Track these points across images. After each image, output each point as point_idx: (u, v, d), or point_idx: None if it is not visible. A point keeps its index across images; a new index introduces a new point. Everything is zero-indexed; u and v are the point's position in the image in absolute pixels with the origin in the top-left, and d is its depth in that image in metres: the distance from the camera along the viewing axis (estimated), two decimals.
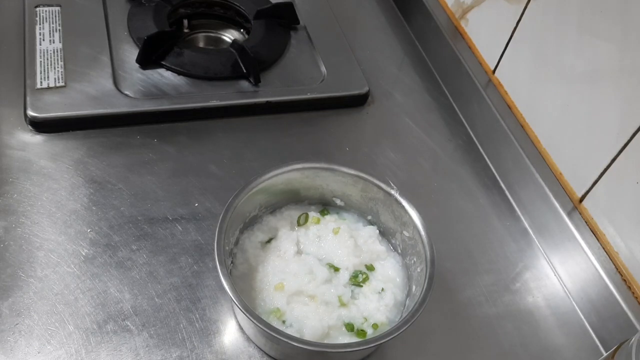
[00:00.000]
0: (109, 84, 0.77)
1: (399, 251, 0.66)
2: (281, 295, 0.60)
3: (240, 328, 0.62)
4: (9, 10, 0.84)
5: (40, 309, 0.59)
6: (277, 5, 0.91)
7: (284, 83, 0.84)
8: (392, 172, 0.79)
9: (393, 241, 0.67)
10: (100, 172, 0.71)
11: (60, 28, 0.82)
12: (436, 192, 0.78)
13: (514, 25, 0.79)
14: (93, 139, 0.74)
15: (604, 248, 0.68)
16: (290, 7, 0.91)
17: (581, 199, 0.72)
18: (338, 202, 0.68)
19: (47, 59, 0.78)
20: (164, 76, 0.80)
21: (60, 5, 0.84)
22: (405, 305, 0.62)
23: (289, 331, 0.58)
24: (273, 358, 0.60)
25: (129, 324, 0.60)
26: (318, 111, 0.84)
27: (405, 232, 0.64)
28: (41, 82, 0.75)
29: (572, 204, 0.72)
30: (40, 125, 0.73)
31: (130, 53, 0.81)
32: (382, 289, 0.63)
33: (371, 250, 0.65)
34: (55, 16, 0.83)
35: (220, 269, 0.55)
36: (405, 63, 0.95)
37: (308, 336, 0.57)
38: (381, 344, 0.55)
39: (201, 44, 0.94)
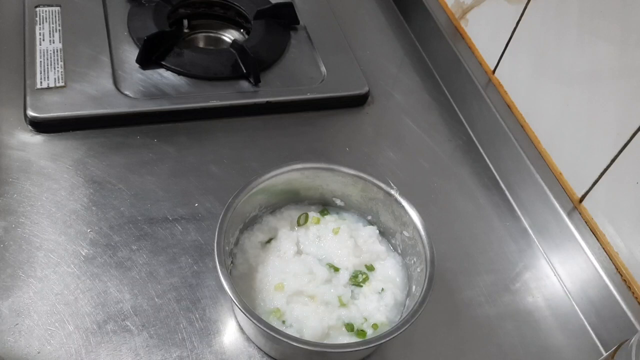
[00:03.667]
0: (109, 84, 0.77)
1: (399, 251, 0.66)
2: (281, 296, 0.60)
3: (240, 328, 0.62)
4: (9, 10, 0.84)
5: (40, 309, 0.59)
6: (277, 5, 0.91)
7: (284, 83, 0.84)
8: (392, 172, 0.79)
9: (393, 241, 0.67)
10: (100, 172, 0.71)
11: (60, 28, 0.82)
12: (436, 192, 0.78)
13: (514, 25, 0.79)
14: (93, 139, 0.74)
15: (604, 248, 0.68)
16: (290, 7, 0.91)
17: (581, 199, 0.72)
18: (338, 202, 0.68)
19: (47, 59, 0.78)
20: (164, 76, 0.80)
21: (60, 5, 0.84)
22: (405, 305, 0.62)
23: (289, 331, 0.58)
24: (273, 358, 0.60)
25: (129, 324, 0.60)
26: (318, 111, 0.84)
27: (405, 232, 0.64)
28: (41, 82, 0.75)
29: (572, 204, 0.72)
30: (40, 125, 0.73)
31: (130, 53, 0.81)
32: (382, 289, 0.63)
33: (371, 250, 0.65)
34: (55, 16, 0.83)
35: (220, 269, 0.55)
36: (405, 63, 0.95)
37: (308, 336, 0.57)
38: (381, 344, 0.55)
39: (201, 44, 0.94)
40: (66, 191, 0.68)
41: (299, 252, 0.64)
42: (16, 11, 0.83)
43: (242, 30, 0.94)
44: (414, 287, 0.62)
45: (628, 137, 0.64)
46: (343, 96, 0.85)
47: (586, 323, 0.69)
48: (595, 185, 0.70)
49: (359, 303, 0.62)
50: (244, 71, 0.82)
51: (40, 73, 0.76)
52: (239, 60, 0.83)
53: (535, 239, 0.76)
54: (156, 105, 0.77)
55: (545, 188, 0.74)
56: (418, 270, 0.61)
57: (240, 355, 0.60)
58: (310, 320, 0.59)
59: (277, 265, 0.62)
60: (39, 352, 0.57)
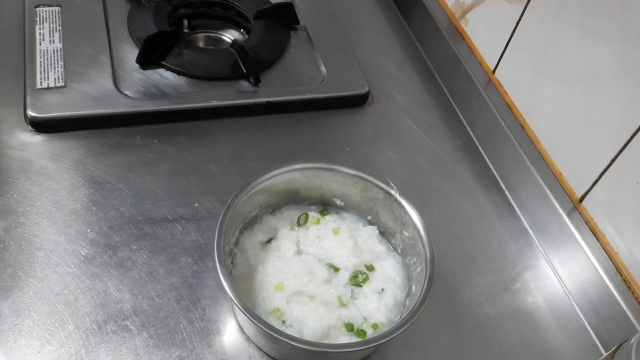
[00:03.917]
0: (109, 84, 0.77)
1: (399, 251, 0.66)
2: (281, 296, 0.60)
3: (240, 328, 0.62)
4: (9, 10, 0.84)
5: (40, 309, 0.59)
6: (277, 5, 0.91)
7: (284, 83, 0.84)
8: (392, 172, 0.79)
9: (393, 241, 0.67)
10: (100, 172, 0.71)
11: (60, 28, 0.82)
12: (436, 192, 0.78)
13: (514, 25, 0.79)
14: (93, 139, 0.74)
15: (604, 248, 0.68)
16: (290, 7, 0.91)
17: (581, 199, 0.72)
18: (338, 202, 0.68)
19: (47, 59, 0.78)
20: (164, 76, 0.80)
21: (60, 5, 0.84)
22: (405, 305, 0.62)
23: (289, 331, 0.58)
24: (273, 358, 0.60)
25: (129, 324, 0.60)
26: (318, 111, 0.84)
27: (405, 232, 0.64)
28: (41, 82, 0.75)
29: (572, 204, 0.72)
30: (40, 125, 0.73)
31: (130, 53, 0.81)
32: (382, 289, 0.63)
33: (371, 250, 0.65)
34: (55, 16, 0.83)
35: (220, 269, 0.55)
36: (405, 63, 0.95)
37: (308, 336, 0.57)
38: (381, 344, 0.55)
39: (201, 44, 0.94)
40: (66, 191, 0.68)
41: (299, 252, 0.64)
42: (16, 11, 0.83)
43: (242, 30, 0.94)
44: (414, 287, 0.62)
45: (628, 137, 0.64)
46: (343, 96, 0.85)
47: (586, 323, 0.69)
48: (595, 185, 0.70)
49: (359, 303, 0.62)
50: (244, 71, 0.82)
51: (40, 73, 0.76)
52: (239, 60, 0.83)
53: (535, 239, 0.76)
54: (156, 105, 0.77)
55: (545, 188, 0.74)
56: (418, 270, 0.61)
57: (240, 355, 0.60)
58: (310, 320, 0.59)
59: (277, 265, 0.62)
60: (39, 352, 0.57)
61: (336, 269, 0.63)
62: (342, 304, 0.61)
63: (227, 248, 0.59)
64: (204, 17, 0.93)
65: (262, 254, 0.64)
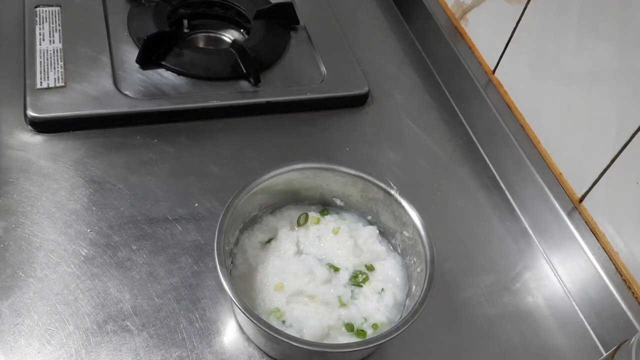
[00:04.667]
0: (109, 84, 0.77)
1: (399, 251, 0.66)
2: (281, 296, 0.60)
3: (240, 328, 0.62)
4: (9, 10, 0.84)
5: (40, 309, 0.59)
6: (277, 5, 0.91)
7: (284, 83, 0.84)
8: (392, 172, 0.79)
9: (393, 241, 0.67)
10: (100, 172, 0.71)
11: (60, 28, 0.82)
12: (436, 192, 0.78)
13: (514, 25, 0.79)
14: (93, 139, 0.74)
15: (604, 248, 0.68)
16: (290, 7, 0.91)
17: (581, 199, 0.72)
18: (338, 202, 0.68)
19: (47, 59, 0.78)
20: (164, 76, 0.80)
21: (60, 5, 0.84)
22: (405, 305, 0.62)
23: (289, 331, 0.58)
24: (273, 358, 0.60)
25: (129, 324, 0.60)
26: (318, 111, 0.84)
27: (405, 232, 0.64)
28: (41, 82, 0.75)
29: (572, 204, 0.72)
30: (40, 125, 0.73)
31: (130, 53, 0.81)
32: (382, 289, 0.63)
33: (371, 250, 0.65)
34: (55, 16, 0.83)
35: (220, 269, 0.55)
36: (405, 63, 0.95)
37: (308, 336, 0.57)
38: (381, 344, 0.55)
39: (201, 44, 0.94)
40: (66, 191, 0.68)
41: (299, 252, 0.64)
42: (16, 11, 0.83)
43: (242, 30, 0.94)
44: (414, 287, 0.62)
45: (628, 137, 0.64)
46: (343, 96, 0.85)
47: (586, 323, 0.69)
48: (595, 185, 0.70)
49: (359, 303, 0.62)
50: (244, 71, 0.82)
51: (40, 73, 0.76)
52: (239, 60, 0.83)
53: (535, 239, 0.76)
54: (156, 105, 0.77)
55: (545, 188, 0.74)
56: (418, 270, 0.61)
57: (240, 355, 0.60)
58: (310, 320, 0.59)
59: (277, 265, 0.62)
60: (39, 352, 0.57)
61: (336, 269, 0.63)
62: (342, 304, 0.61)
63: (227, 248, 0.59)
64: (204, 17, 0.93)
65: (262, 254, 0.64)
